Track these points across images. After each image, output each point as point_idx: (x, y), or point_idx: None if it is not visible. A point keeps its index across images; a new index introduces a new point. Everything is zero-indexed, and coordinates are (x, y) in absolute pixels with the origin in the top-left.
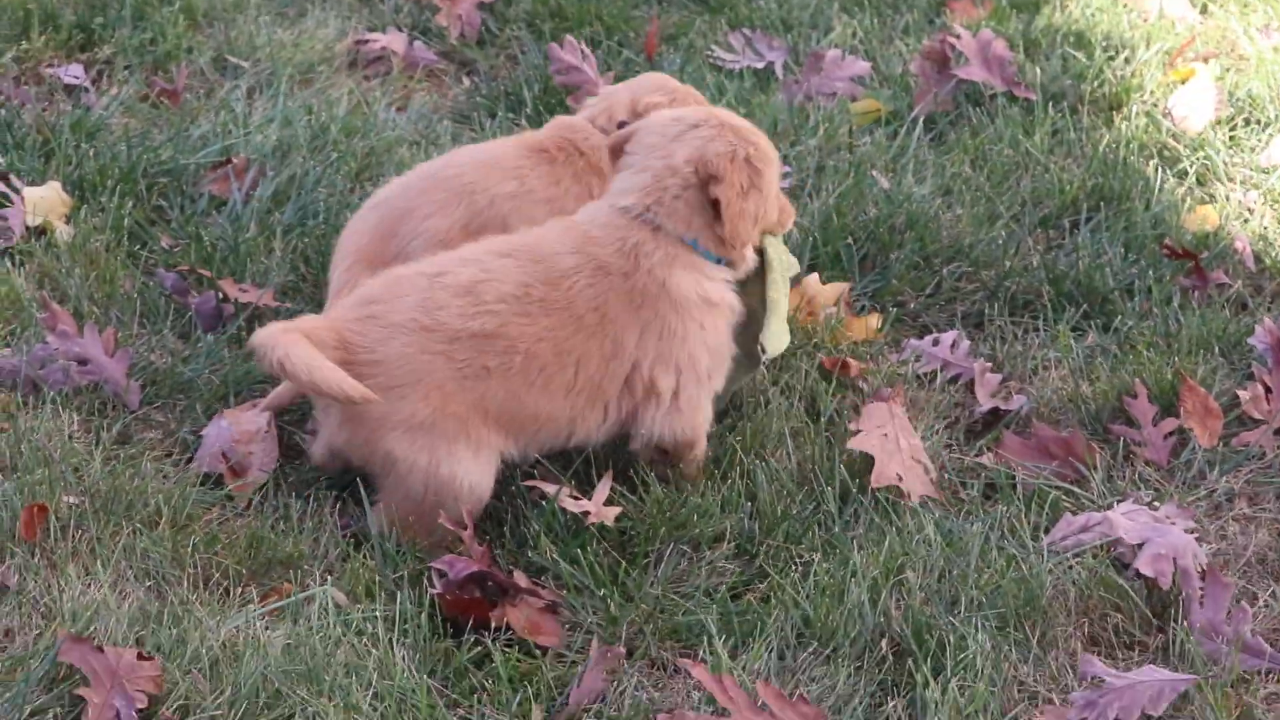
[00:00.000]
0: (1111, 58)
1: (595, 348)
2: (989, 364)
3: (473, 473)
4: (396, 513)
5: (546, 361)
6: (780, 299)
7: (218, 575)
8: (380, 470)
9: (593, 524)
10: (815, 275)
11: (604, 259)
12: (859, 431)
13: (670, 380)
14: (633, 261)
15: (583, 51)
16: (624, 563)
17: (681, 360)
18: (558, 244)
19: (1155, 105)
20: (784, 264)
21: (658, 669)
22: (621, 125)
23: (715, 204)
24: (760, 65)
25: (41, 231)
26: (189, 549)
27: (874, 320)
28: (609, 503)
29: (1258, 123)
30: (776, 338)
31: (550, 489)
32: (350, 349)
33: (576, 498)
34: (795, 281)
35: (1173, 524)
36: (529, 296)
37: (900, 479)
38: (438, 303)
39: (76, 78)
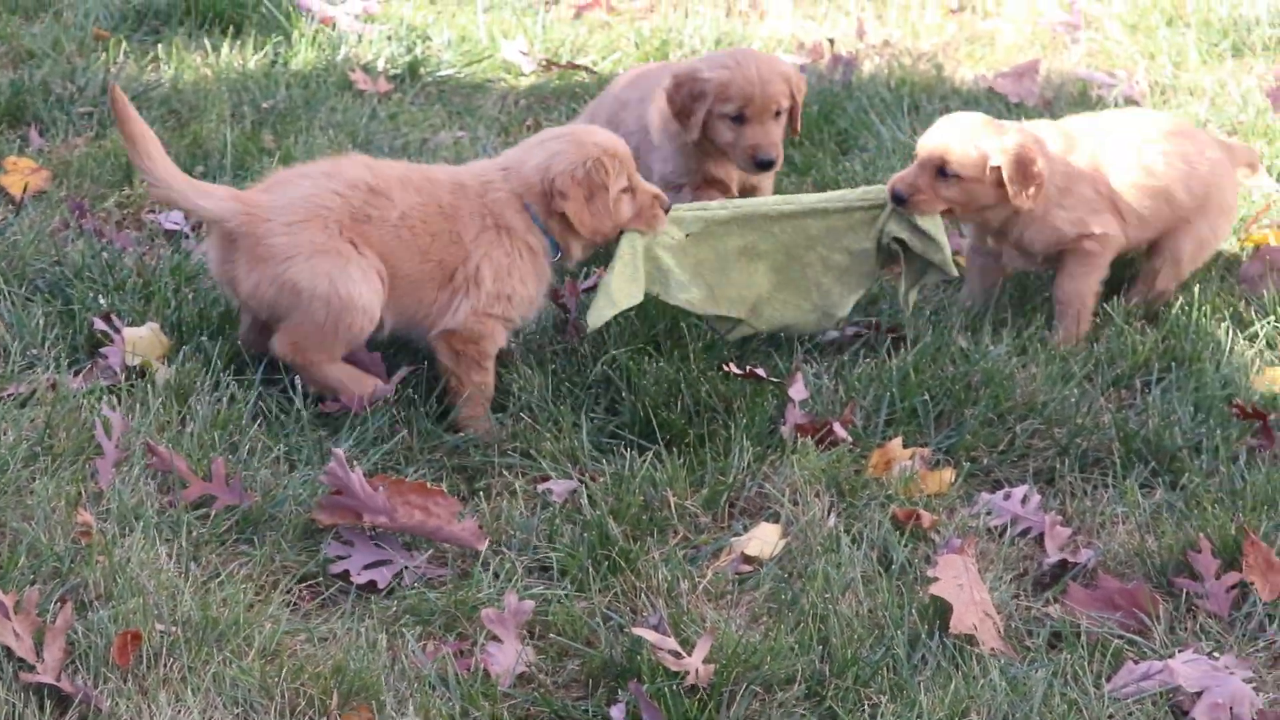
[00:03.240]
0: None
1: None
2: (1059, 518)
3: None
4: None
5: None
6: (612, 281)
7: (303, 704)
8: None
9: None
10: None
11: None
12: (934, 580)
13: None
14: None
15: None
16: (697, 702)
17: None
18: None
19: (1229, 270)
20: (628, 258)
21: None
22: None
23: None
24: None
25: (141, 372)
26: (276, 678)
27: (948, 474)
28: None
29: None
30: (597, 311)
31: (651, 635)
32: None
33: (679, 655)
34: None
35: (1231, 673)
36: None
37: (975, 629)
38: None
39: (176, 223)
